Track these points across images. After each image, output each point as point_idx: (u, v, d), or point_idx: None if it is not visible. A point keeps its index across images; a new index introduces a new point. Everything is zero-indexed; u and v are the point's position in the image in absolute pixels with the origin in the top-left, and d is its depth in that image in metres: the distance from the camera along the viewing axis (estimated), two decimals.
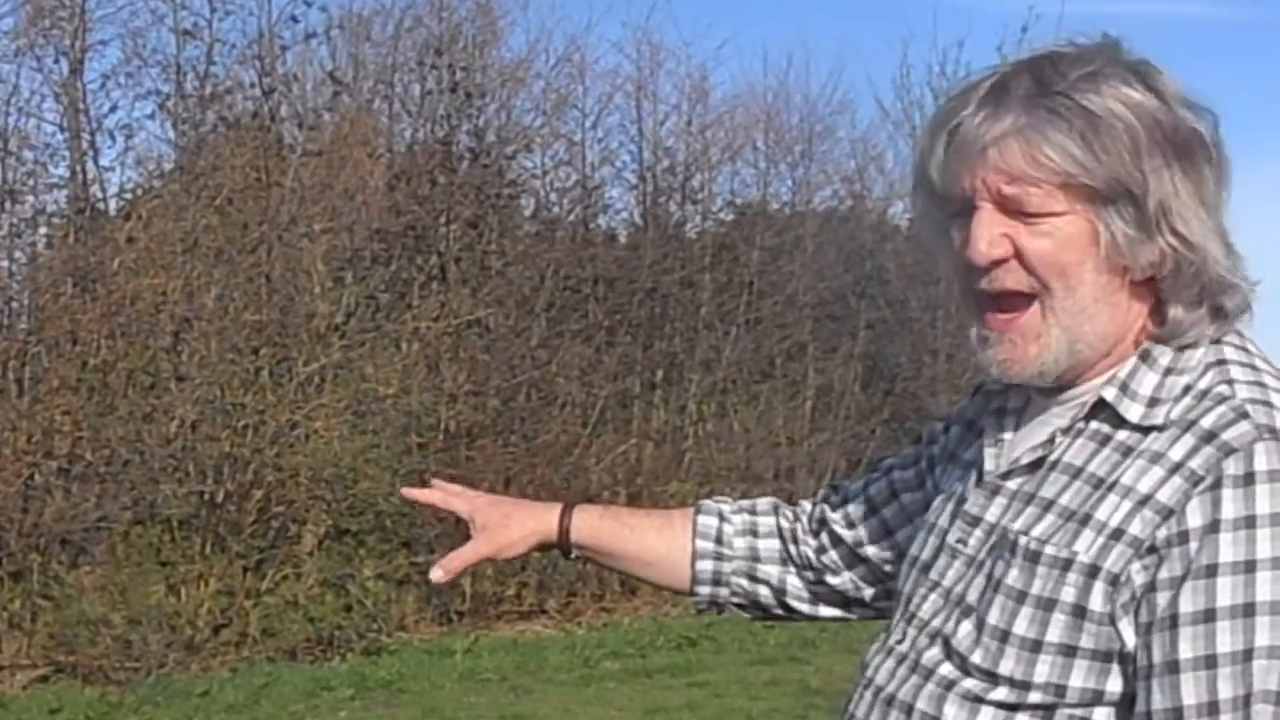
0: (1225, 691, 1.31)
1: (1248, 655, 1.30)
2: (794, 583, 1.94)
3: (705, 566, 1.94)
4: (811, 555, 1.92)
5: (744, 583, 1.95)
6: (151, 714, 8.61)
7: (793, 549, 1.94)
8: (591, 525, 1.94)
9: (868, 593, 1.89)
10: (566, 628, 11.88)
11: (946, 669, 1.48)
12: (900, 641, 1.57)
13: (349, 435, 10.74)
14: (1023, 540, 1.44)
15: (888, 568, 1.84)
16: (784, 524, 1.96)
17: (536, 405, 12.59)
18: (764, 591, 1.95)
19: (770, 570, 1.94)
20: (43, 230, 11.50)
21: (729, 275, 14.44)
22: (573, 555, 1.95)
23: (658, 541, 1.96)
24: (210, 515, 10.20)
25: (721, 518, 1.96)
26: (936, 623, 1.52)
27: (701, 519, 1.96)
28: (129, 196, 11.81)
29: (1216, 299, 1.45)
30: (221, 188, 10.92)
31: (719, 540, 1.95)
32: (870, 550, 1.87)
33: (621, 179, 14.93)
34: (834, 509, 1.92)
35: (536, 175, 14.47)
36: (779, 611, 1.97)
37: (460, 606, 11.78)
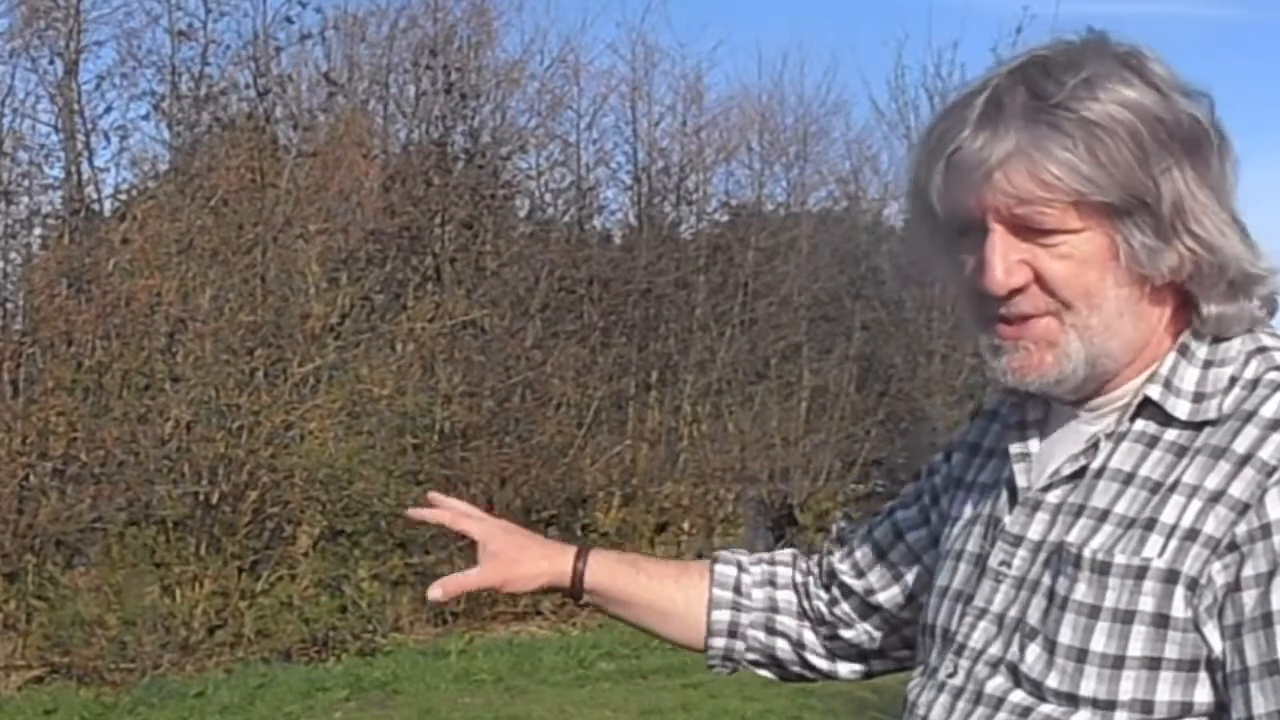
0: None
1: None
2: (810, 638, 1.87)
3: (721, 617, 1.86)
4: (824, 609, 1.85)
5: (761, 635, 1.88)
6: (146, 715, 8.61)
7: (806, 603, 1.87)
8: (607, 571, 1.86)
9: (884, 644, 1.82)
10: (561, 628, 11.87)
11: (1018, 696, 1.41)
12: (952, 675, 1.49)
13: (344, 436, 10.74)
14: (1086, 553, 1.38)
15: (903, 614, 1.78)
16: (798, 577, 1.89)
17: (531, 406, 12.59)
18: (782, 645, 1.88)
19: (789, 623, 1.87)
20: (38, 231, 11.51)
21: (724, 276, 14.44)
22: (583, 601, 1.87)
23: (674, 590, 1.87)
24: (205, 516, 10.19)
25: (740, 568, 1.89)
26: (995, 650, 1.45)
27: (719, 568, 1.89)
28: (124, 197, 11.81)
29: (1250, 289, 1.41)
30: (216, 189, 10.91)
31: (737, 590, 1.87)
32: (881, 597, 1.80)
33: (616, 180, 14.96)
34: (841, 559, 1.84)
35: (531, 176, 14.49)
36: (796, 669, 1.90)
37: (455, 607, 11.76)
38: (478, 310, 12.26)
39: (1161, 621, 1.33)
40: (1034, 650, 1.40)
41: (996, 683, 1.43)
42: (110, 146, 11.64)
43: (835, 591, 1.84)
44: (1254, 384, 1.37)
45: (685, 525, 13.75)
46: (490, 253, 12.84)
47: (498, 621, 11.90)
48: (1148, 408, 1.41)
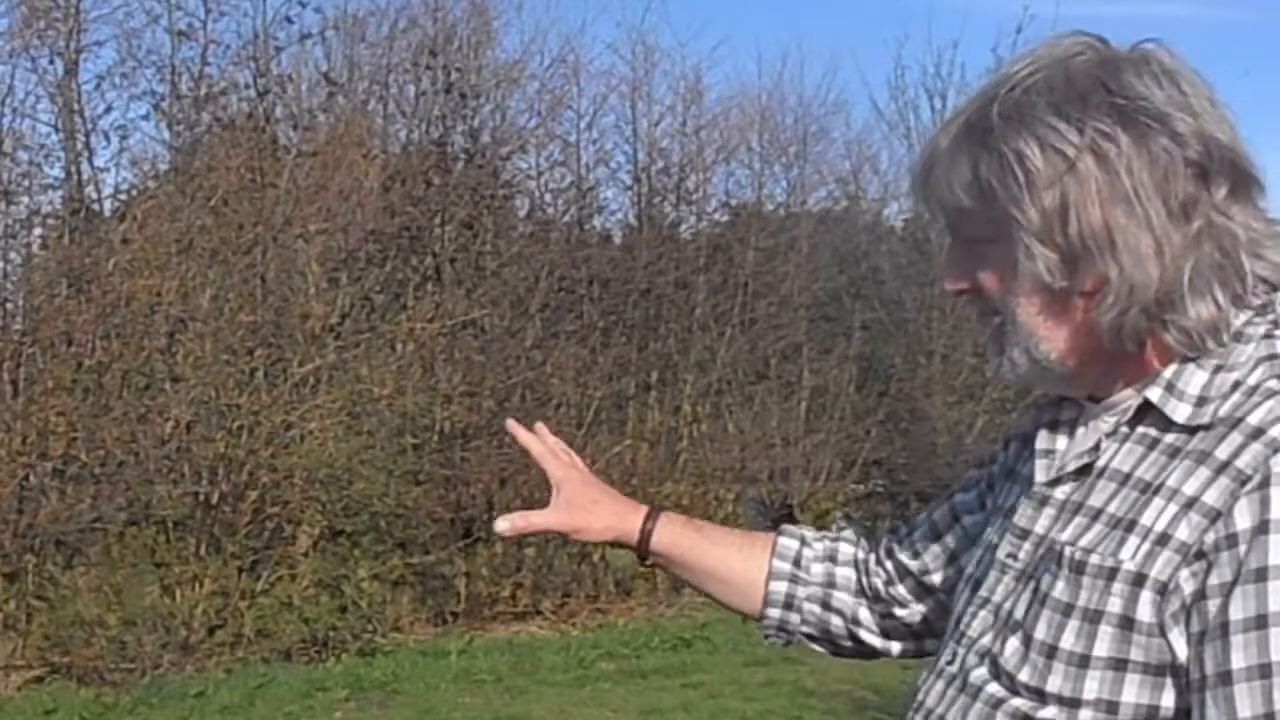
0: None
1: None
2: (866, 615, 1.89)
3: (779, 588, 1.90)
4: (880, 587, 1.88)
5: (816, 609, 1.90)
6: (146, 715, 8.61)
7: (864, 580, 1.89)
8: (673, 534, 1.91)
9: (936, 625, 1.80)
10: (561, 628, 11.88)
11: (994, 688, 1.44)
12: (950, 662, 1.53)
13: (344, 436, 10.74)
14: (1068, 550, 1.40)
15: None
16: (860, 554, 1.91)
17: (531, 406, 12.58)
18: (836, 621, 1.91)
19: (845, 599, 1.90)
20: (37, 231, 11.51)
21: (724, 276, 14.44)
22: (648, 562, 1.92)
23: (737, 558, 1.91)
24: (205, 516, 10.20)
25: (803, 542, 1.92)
26: (985, 640, 1.48)
27: (782, 540, 1.92)
28: (124, 197, 11.81)
29: (1234, 290, 1.39)
30: (216, 188, 10.91)
31: (796, 563, 1.90)
32: (936, 579, 1.82)
33: (616, 180, 14.96)
34: (900, 540, 1.87)
35: (531, 176, 14.49)
36: (849, 644, 1.92)
37: (455, 607, 11.79)
38: (478, 310, 12.25)
39: (1127, 624, 1.34)
40: (1013, 643, 1.43)
41: (979, 673, 1.46)
42: (110, 146, 11.65)
43: (892, 570, 1.87)
44: (1253, 390, 1.37)
45: None
46: (490, 253, 12.84)
47: (498, 622, 11.91)
48: (1150, 411, 1.41)
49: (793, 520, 14.78)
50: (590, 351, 13.18)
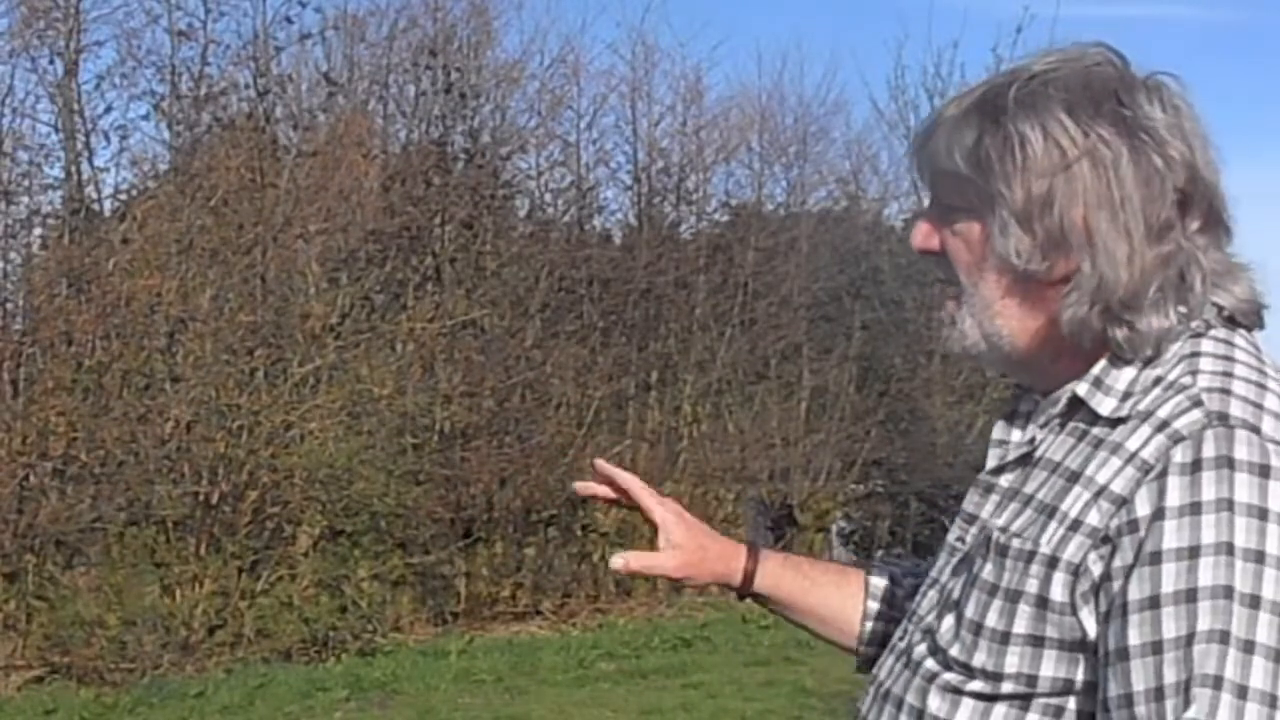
0: (1169, 676, 1.33)
1: (1189, 640, 1.32)
2: None
3: (875, 628, 1.94)
4: None
5: None
6: (146, 715, 8.61)
7: None
8: (774, 575, 1.95)
9: None
10: (561, 629, 11.88)
11: (930, 663, 1.52)
12: (901, 639, 1.62)
13: (344, 436, 10.74)
14: (996, 535, 1.48)
15: None
16: None
17: (531, 406, 12.59)
18: None
19: None
20: (37, 231, 11.52)
21: (724, 276, 14.45)
22: (746, 600, 1.98)
23: (835, 598, 1.96)
24: (205, 516, 10.20)
25: (893, 580, 1.96)
26: (930, 619, 1.56)
27: (874, 579, 1.96)
28: (124, 197, 11.82)
29: (1186, 312, 1.45)
30: (216, 188, 10.92)
31: (889, 603, 1.94)
32: None
33: (616, 180, 14.97)
34: None
35: (531, 176, 14.50)
36: None
37: (455, 607, 11.79)
38: (478, 310, 12.26)
39: (1043, 604, 1.42)
40: (948, 621, 1.51)
41: (920, 649, 1.55)
42: (110, 146, 11.66)
43: None
44: (1169, 386, 1.44)
45: None
46: (490, 253, 12.84)
47: (498, 622, 11.91)
48: (1081, 404, 1.49)
49: (793, 521, 14.80)
50: (590, 351, 13.19)
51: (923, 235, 1.56)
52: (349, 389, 10.96)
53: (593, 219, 14.87)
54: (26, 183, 11.20)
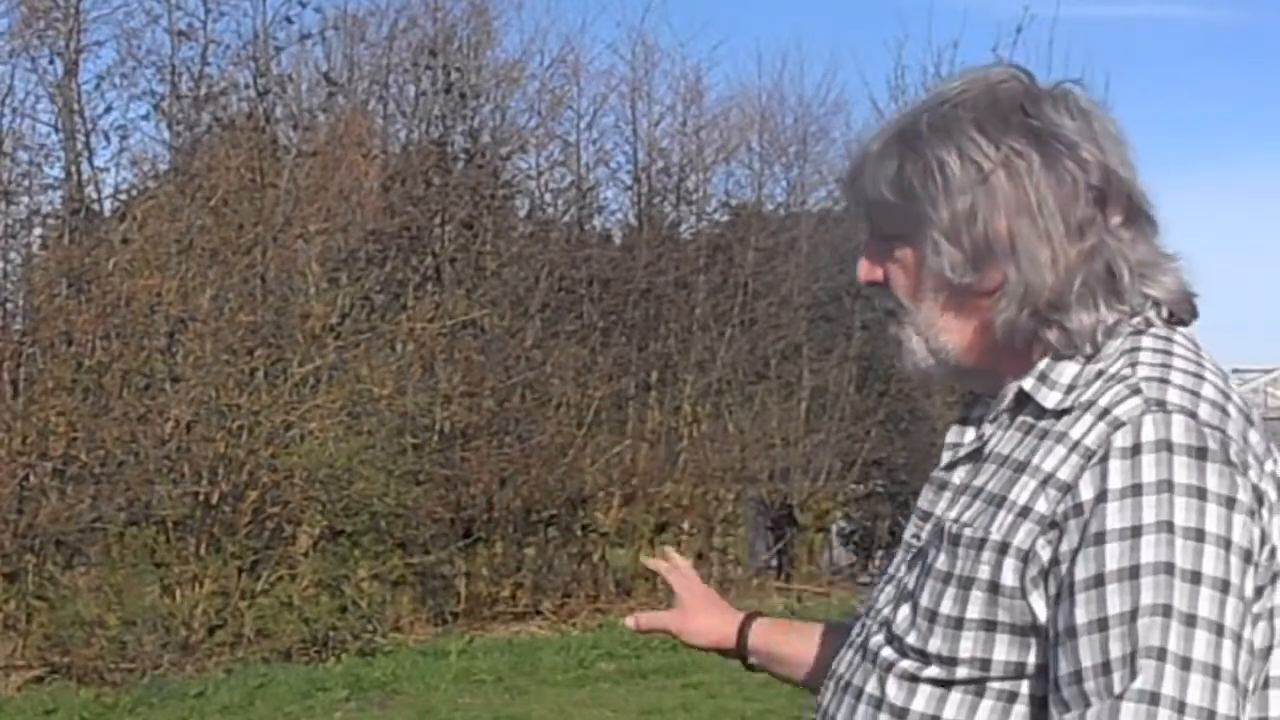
0: (1115, 651, 1.38)
1: (1134, 615, 1.37)
2: None
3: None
4: None
5: None
6: (146, 715, 8.61)
7: None
8: (765, 637, 2.09)
9: None
10: (561, 629, 11.89)
11: (887, 652, 1.56)
12: (859, 634, 1.66)
13: (344, 436, 10.75)
14: (949, 525, 1.54)
15: None
16: None
17: (531, 406, 12.59)
18: None
19: None
20: (37, 231, 11.53)
21: (724, 276, 14.45)
22: (749, 662, 2.12)
23: (813, 642, 2.08)
24: (205, 516, 10.20)
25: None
26: (887, 611, 1.60)
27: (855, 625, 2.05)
28: (124, 197, 11.82)
29: (1116, 304, 1.53)
30: (216, 188, 10.92)
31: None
32: None
33: (616, 180, 14.97)
34: None
35: (531, 176, 14.50)
36: None
37: (455, 607, 11.80)
38: (478, 310, 12.26)
39: (994, 589, 1.47)
40: (904, 611, 1.56)
41: (877, 639, 1.60)
42: (110, 146, 11.67)
43: None
44: (1111, 378, 1.50)
45: (685, 525, 13.76)
46: (490, 253, 12.85)
47: (498, 622, 11.92)
48: (1028, 399, 1.54)
49: (793, 521, 14.80)
50: (590, 351, 13.19)
51: (865, 270, 1.64)
52: (349, 389, 10.96)
53: (593, 219, 14.88)
54: (26, 183, 11.22)
